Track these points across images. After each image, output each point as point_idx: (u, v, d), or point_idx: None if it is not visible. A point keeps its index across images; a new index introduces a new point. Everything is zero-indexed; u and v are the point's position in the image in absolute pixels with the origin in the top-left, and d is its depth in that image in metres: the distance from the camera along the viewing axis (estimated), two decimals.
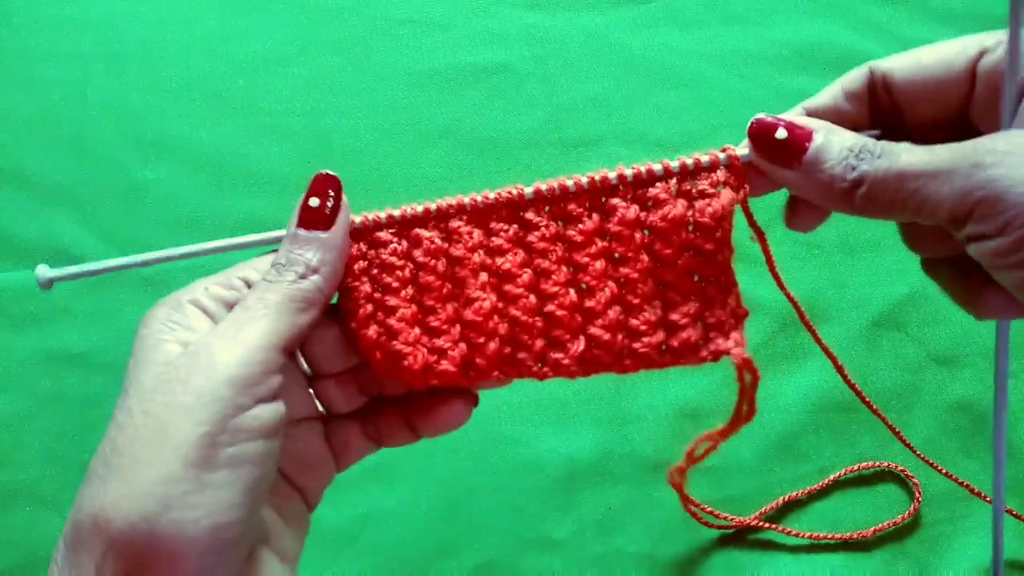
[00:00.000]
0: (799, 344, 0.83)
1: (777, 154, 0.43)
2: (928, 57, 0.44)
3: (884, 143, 0.41)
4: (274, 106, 0.92)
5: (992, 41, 0.43)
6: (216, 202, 0.88)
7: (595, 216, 0.46)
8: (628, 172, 0.46)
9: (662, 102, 0.92)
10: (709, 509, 0.77)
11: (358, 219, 0.48)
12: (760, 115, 0.44)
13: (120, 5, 0.95)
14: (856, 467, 0.79)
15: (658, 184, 0.46)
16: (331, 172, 0.46)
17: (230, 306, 0.44)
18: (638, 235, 0.46)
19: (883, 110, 0.46)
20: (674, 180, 0.46)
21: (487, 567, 0.78)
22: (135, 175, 0.89)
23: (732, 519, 0.77)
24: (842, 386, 0.82)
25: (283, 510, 0.48)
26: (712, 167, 0.45)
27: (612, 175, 0.46)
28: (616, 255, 0.46)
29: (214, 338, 0.41)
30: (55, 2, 0.95)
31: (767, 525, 0.78)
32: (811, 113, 0.46)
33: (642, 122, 0.91)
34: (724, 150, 0.46)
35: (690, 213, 0.45)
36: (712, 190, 0.45)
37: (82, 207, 0.88)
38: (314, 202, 0.45)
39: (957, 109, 0.44)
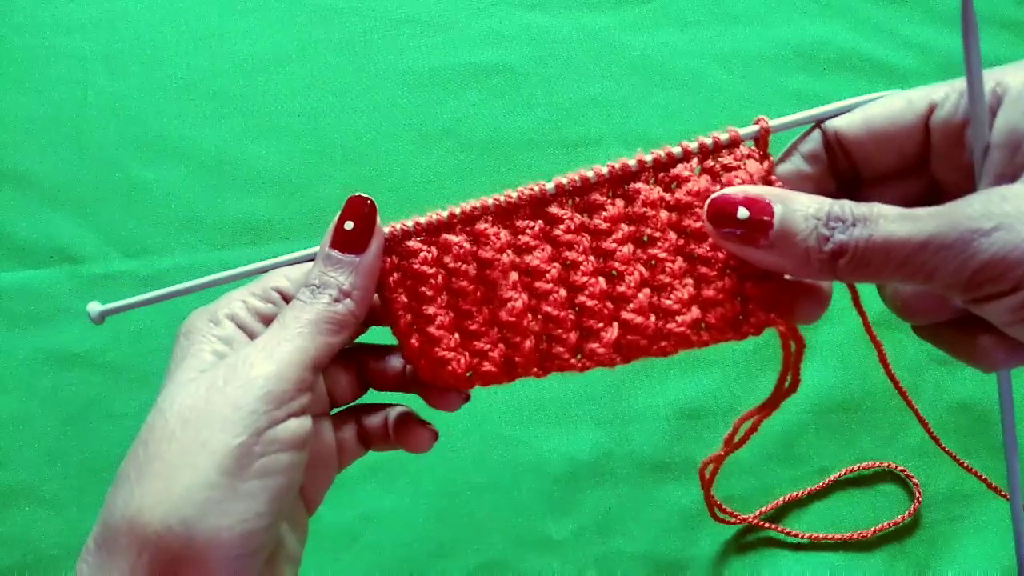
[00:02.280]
0: None
1: (742, 235, 0.41)
2: (876, 115, 0.43)
3: (851, 205, 0.39)
4: (274, 106, 0.92)
5: (939, 95, 0.42)
6: (216, 202, 0.88)
7: (619, 202, 0.46)
8: (648, 158, 0.46)
9: (662, 102, 0.92)
10: (728, 509, 0.76)
11: (386, 229, 0.48)
12: (715, 193, 0.42)
13: (120, 5, 0.95)
14: (856, 467, 0.79)
15: (679, 165, 0.45)
16: (365, 195, 0.46)
17: (266, 320, 0.46)
18: (664, 214, 0.45)
19: (841, 167, 0.45)
20: (695, 161, 0.45)
21: (487, 567, 0.78)
22: (135, 175, 0.89)
23: (746, 517, 0.77)
24: (842, 386, 0.82)
25: (291, 516, 0.48)
26: (733, 144, 0.45)
27: (632, 162, 0.46)
28: (644, 238, 0.46)
29: (252, 352, 0.43)
30: (55, 2, 0.95)
31: (767, 525, 0.78)
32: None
33: (642, 122, 0.91)
34: (757, 122, 0.45)
35: (716, 188, 0.44)
36: (736, 163, 0.44)
37: (82, 207, 0.88)
38: (349, 225, 0.46)
39: (912, 161, 0.44)
